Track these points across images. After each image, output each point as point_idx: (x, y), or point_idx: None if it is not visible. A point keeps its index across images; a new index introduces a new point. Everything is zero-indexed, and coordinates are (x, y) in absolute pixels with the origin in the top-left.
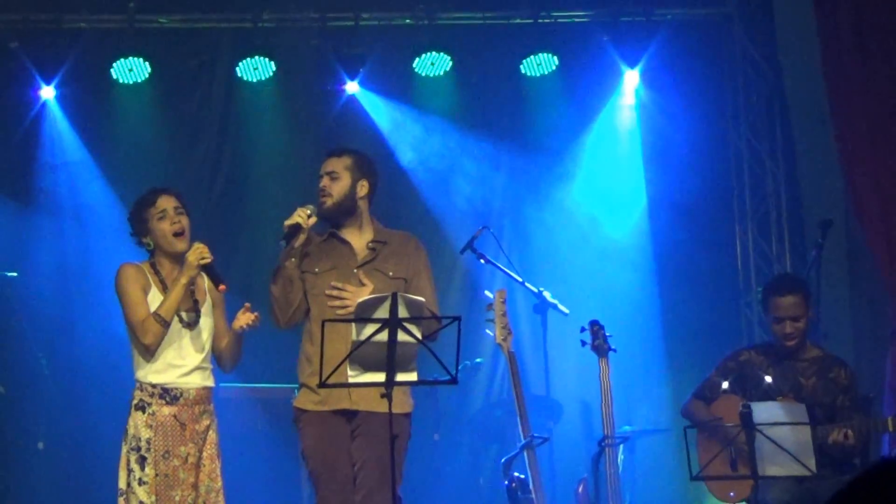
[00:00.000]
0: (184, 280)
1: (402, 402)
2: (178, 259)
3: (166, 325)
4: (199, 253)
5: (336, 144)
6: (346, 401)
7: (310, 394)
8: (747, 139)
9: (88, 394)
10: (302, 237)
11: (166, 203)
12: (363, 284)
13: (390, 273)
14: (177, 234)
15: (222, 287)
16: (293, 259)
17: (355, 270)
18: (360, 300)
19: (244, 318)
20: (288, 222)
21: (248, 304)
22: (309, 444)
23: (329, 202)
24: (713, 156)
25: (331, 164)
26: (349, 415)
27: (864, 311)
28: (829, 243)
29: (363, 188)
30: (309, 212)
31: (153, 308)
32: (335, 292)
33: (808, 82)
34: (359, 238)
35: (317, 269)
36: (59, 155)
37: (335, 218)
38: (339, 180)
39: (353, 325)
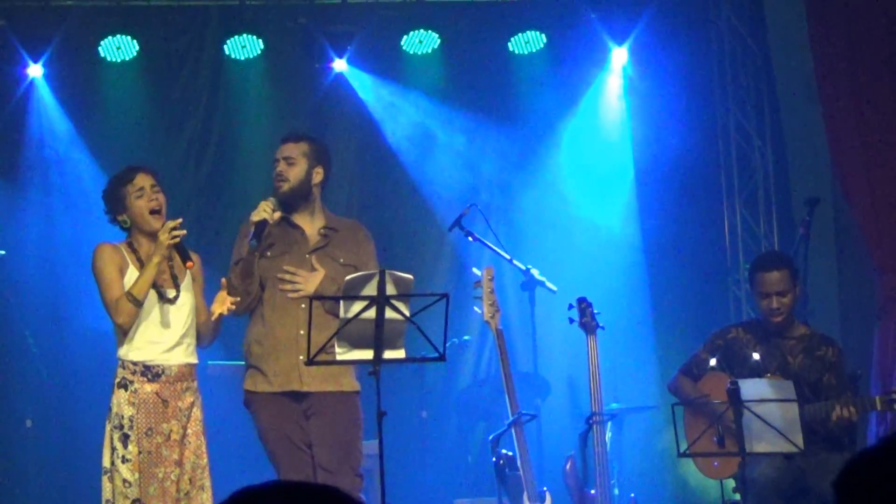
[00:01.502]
0: (156, 259)
1: (351, 382)
2: (155, 237)
3: (139, 304)
4: (169, 232)
5: (292, 130)
6: (297, 382)
7: (258, 376)
8: (735, 116)
9: (76, 372)
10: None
11: (143, 181)
12: (315, 269)
13: (341, 260)
14: (153, 212)
15: (189, 264)
16: (256, 253)
17: (308, 256)
18: (348, 277)
19: (222, 306)
20: (255, 218)
21: (224, 282)
22: (265, 426)
23: (285, 187)
24: (701, 133)
25: (287, 149)
26: (299, 396)
27: (852, 289)
28: (817, 220)
29: (318, 175)
30: (272, 205)
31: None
32: (287, 276)
33: (795, 59)
34: (310, 224)
35: (269, 254)
36: (47, 133)
37: (290, 203)
38: (295, 165)
39: (341, 302)
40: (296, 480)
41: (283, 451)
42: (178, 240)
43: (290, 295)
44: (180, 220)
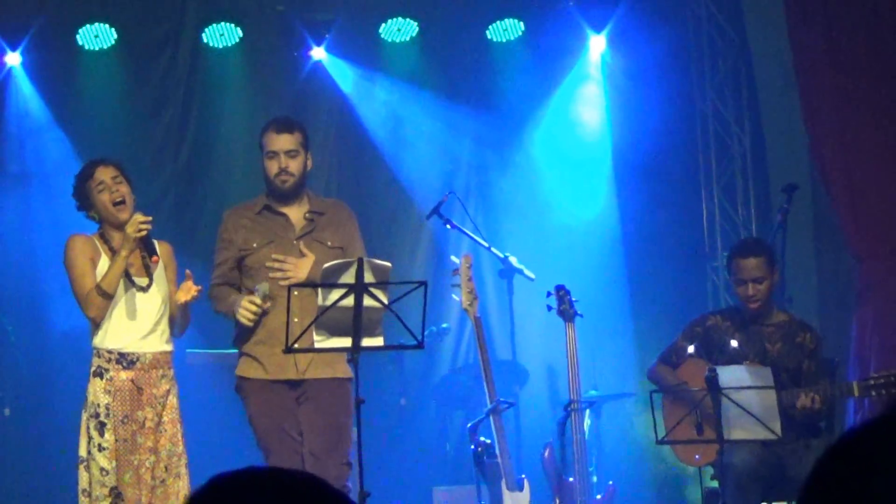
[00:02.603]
0: (124, 253)
1: (345, 368)
2: (123, 228)
3: (109, 297)
4: (136, 225)
5: (281, 118)
6: (293, 370)
7: (252, 362)
8: (713, 103)
9: (54, 361)
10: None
11: (104, 174)
12: (304, 255)
13: (329, 243)
14: (116, 204)
15: (155, 259)
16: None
17: (295, 241)
18: (326, 266)
19: (187, 294)
20: (249, 316)
21: (189, 273)
22: (256, 413)
23: (291, 182)
24: (679, 120)
25: (287, 141)
26: (294, 383)
27: (830, 276)
28: (795, 207)
29: (310, 161)
30: (259, 305)
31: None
32: (277, 264)
33: (773, 46)
34: (296, 209)
35: (255, 245)
36: (25, 121)
37: (291, 195)
38: (297, 157)
39: (319, 290)
40: (274, 467)
41: (273, 439)
42: (144, 233)
43: (282, 283)
44: (150, 218)
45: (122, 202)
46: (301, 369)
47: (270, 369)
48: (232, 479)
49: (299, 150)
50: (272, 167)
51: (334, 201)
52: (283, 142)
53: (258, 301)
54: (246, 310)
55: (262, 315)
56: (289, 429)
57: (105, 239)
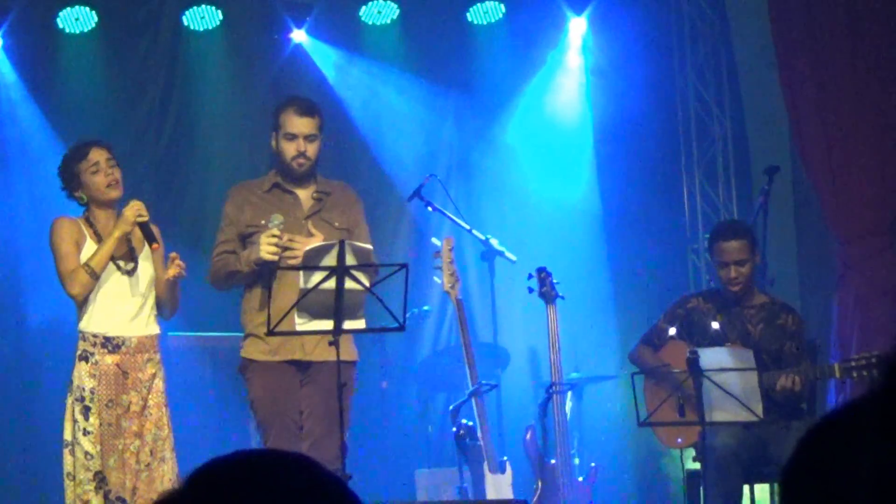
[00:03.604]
0: (117, 234)
1: (349, 351)
2: (113, 209)
3: (96, 276)
4: (137, 210)
5: (302, 99)
6: (300, 351)
7: (259, 343)
8: (694, 85)
9: (36, 346)
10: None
11: (98, 155)
12: (312, 235)
13: (336, 223)
14: (109, 186)
15: (155, 245)
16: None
17: (304, 221)
18: (307, 248)
19: (176, 269)
20: (267, 257)
21: (174, 255)
22: (258, 394)
23: (307, 166)
24: (660, 102)
25: (307, 124)
26: (300, 365)
27: (811, 258)
28: (776, 189)
29: (321, 143)
30: (279, 235)
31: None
32: (285, 242)
33: (754, 27)
34: (305, 189)
35: (263, 221)
36: (6, 105)
37: (305, 177)
38: (315, 141)
39: (301, 273)
40: (270, 449)
41: (272, 420)
42: (145, 219)
43: (291, 262)
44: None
45: (116, 184)
46: (308, 350)
47: (277, 350)
48: (226, 463)
49: (318, 135)
50: (289, 149)
51: (340, 183)
52: (304, 125)
53: (276, 232)
54: (267, 244)
55: (270, 287)
56: (290, 411)
57: (90, 223)
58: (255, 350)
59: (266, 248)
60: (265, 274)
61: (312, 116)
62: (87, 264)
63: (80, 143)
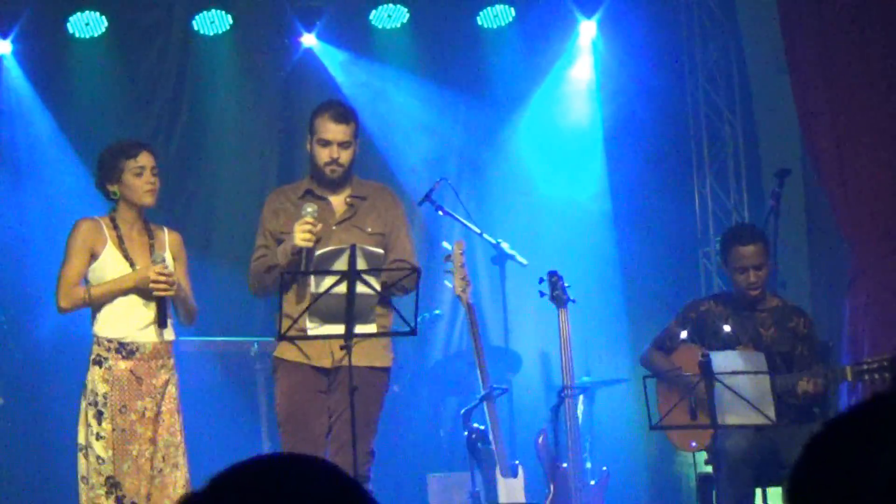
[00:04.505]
0: (129, 285)
1: (383, 357)
2: (141, 213)
3: (89, 305)
4: (158, 277)
5: (338, 105)
6: (328, 359)
7: (289, 345)
8: (704, 89)
9: (48, 349)
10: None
11: (147, 160)
12: (341, 242)
13: (368, 229)
14: (148, 192)
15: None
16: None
17: (334, 228)
18: (318, 252)
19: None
20: (301, 244)
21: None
22: (283, 394)
23: (340, 172)
24: (670, 105)
25: (342, 131)
26: (328, 370)
27: (823, 260)
28: (787, 192)
29: (357, 149)
30: (313, 221)
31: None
32: (319, 231)
33: (764, 30)
34: (338, 195)
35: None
36: (16, 110)
37: (337, 184)
38: (349, 148)
39: (312, 277)
40: (287, 454)
41: (294, 422)
42: (170, 292)
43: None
44: (174, 279)
45: (155, 192)
46: (337, 358)
47: (308, 353)
48: (248, 467)
49: (352, 142)
50: (323, 155)
51: (379, 185)
52: (338, 132)
53: (310, 220)
54: (302, 231)
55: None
56: (313, 415)
57: (115, 224)
58: (285, 350)
59: (300, 236)
60: (299, 278)
61: (348, 123)
62: (88, 291)
63: (133, 142)
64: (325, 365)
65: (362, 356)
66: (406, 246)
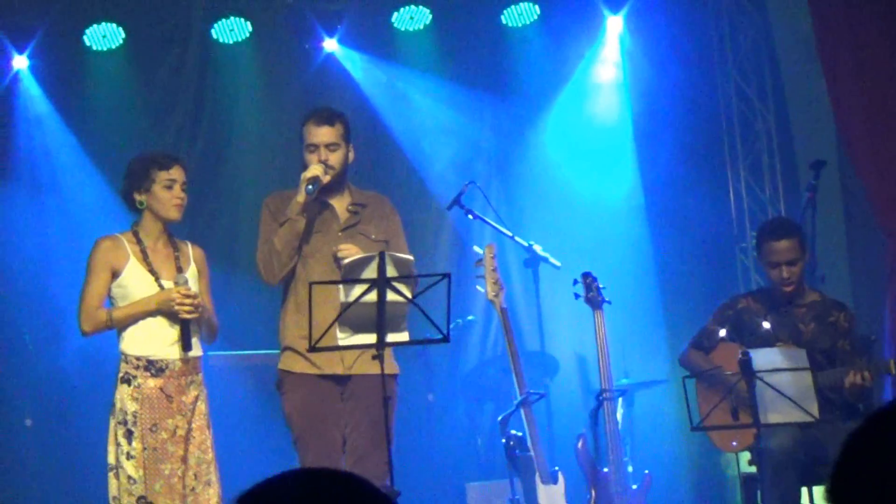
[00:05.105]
0: (152, 307)
1: (391, 364)
2: (165, 226)
3: (110, 328)
4: (183, 300)
5: (322, 109)
6: (339, 366)
7: (297, 357)
8: (736, 82)
9: (75, 368)
10: (315, 192)
11: (178, 174)
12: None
13: (373, 236)
14: (175, 206)
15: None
16: (303, 213)
17: (340, 234)
18: (347, 261)
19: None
20: (309, 174)
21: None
22: (296, 407)
23: (331, 175)
24: (702, 100)
25: (327, 133)
26: (339, 379)
27: (862, 252)
28: (823, 184)
29: (351, 153)
30: (323, 169)
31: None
32: (342, 252)
33: (794, 19)
34: (340, 201)
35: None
36: (35, 124)
37: (329, 188)
38: (338, 150)
39: (341, 287)
40: (322, 468)
41: (311, 434)
42: (195, 315)
43: (344, 262)
44: (199, 302)
45: (182, 207)
46: (347, 365)
47: (318, 363)
48: (278, 482)
49: (340, 143)
50: (312, 160)
51: (375, 194)
52: (322, 134)
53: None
54: (315, 167)
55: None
56: (329, 425)
57: (138, 238)
58: (292, 363)
59: (314, 169)
60: (300, 289)
61: (332, 125)
62: (110, 314)
63: (167, 154)
64: (337, 371)
65: (372, 363)
66: (405, 253)
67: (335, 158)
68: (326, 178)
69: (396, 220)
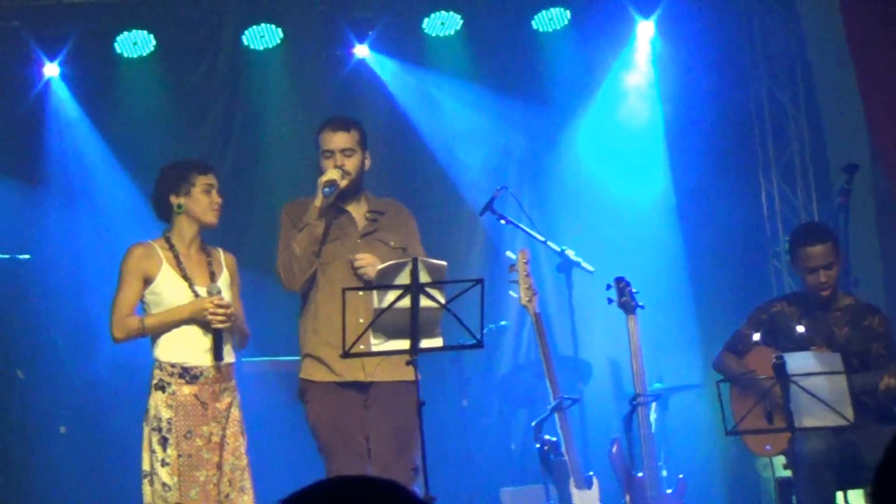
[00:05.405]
0: (181, 317)
1: (409, 371)
2: (200, 231)
3: (143, 336)
4: (216, 309)
5: (337, 116)
6: (360, 372)
7: (318, 365)
8: (768, 86)
9: (108, 375)
10: (333, 196)
11: (214, 180)
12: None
13: (391, 243)
14: (212, 210)
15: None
16: (321, 218)
17: (358, 241)
18: (379, 267)
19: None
20: (326, 178)
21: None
22: (320, 416)
23: (348, 180)
24: (733, 105)
25: (343, 139)
26: (361, 386)
27: (895, 256)
28: (856, 188)
29: (368, 160)
30: (340, 173)
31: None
32: (358, 262)
33: (825, 23)
34: (357, 208)
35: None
36: (66, 132)
37: (345, 194)
38: (354, 156)
39: (374, 292)
40: (354, 475)
41: (337, 442)
42: (228, 324)
43: (361, 271)
44: (232, 312)
45: (218, 213)
46: (369, 371)
47: (338, 370)
48: (318, 490)
49: (356, 149)
50: (328, 166)
51: (392, 201)
52: (338, 140)
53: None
54: (332, 171)
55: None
56: (355, 432)
57: (171, 244)
58: (314, 372)
59: (331, 173)
60: (318, 296)
61: (348, 131)
62: (143, 322)
63: (203, 161)
64: (358, 378)
65: (392, 371)
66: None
67: (351, 164)
68: (344, 183)
69: (413, 226)
